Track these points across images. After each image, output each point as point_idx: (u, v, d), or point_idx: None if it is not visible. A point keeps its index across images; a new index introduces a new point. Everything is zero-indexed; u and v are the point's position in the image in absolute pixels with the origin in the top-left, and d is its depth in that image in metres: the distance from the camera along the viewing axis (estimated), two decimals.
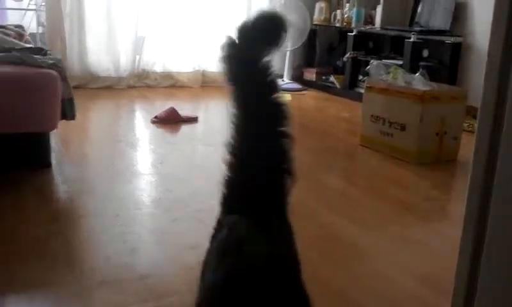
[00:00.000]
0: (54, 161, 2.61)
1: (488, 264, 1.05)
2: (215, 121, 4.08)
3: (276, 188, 0.96)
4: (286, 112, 0.94)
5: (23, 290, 1.54)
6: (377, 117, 3.16)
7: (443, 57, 4.44)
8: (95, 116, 4.00)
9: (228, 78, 0.93)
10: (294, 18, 5.25)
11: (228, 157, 0.95)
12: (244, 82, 0.93)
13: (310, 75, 5.53)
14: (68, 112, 2.58)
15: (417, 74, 3.33)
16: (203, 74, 5.20)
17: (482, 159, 1.17)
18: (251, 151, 0.94)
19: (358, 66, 4.99)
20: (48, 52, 2.73)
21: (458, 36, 4.40)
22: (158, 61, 5.05)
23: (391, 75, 3.17)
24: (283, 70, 5.49)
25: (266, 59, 0.92)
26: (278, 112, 0.94)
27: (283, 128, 0.94)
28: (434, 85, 3.16)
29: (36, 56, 2.53)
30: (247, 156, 0.94)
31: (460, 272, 1.10)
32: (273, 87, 0.94)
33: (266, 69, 0.93)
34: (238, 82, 0.93)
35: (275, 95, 0.93)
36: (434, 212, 2.40)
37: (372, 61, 3.44)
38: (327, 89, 5.29)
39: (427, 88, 3.03)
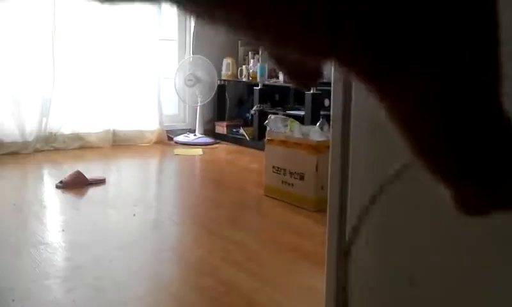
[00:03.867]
0: None
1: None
2: (124, 181, 4.08)
3: None
4: None
5: None
6: (278, 168, 3.32)
7: None
8: None
9: None
10: (202, 75, 5.43)
11: None
12: None
13: (222, 128, 5.68)
14: None
15: (317, 124, 3.55)
16: (114, 133, 5.19)
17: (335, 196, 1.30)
18: None
19: (265, 118, 5.19)
20: None
21: None
22: (66, 122, 4.99)
23: (288, 127, 3.36)
24: (195, 125, 5.60)
25: None
26: None
27: None
28: (329, 135, 3.37)
29: None
30: None
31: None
32: None
33: None
34: None
35: None
36: None
37: (270, 115, 3.63)
38: (238, 141, 5.45)
39: (322, 138, 3.23)
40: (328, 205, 1.32)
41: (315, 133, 3.33)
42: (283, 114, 4.70)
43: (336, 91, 1.24)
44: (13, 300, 1.94)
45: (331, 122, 1.27)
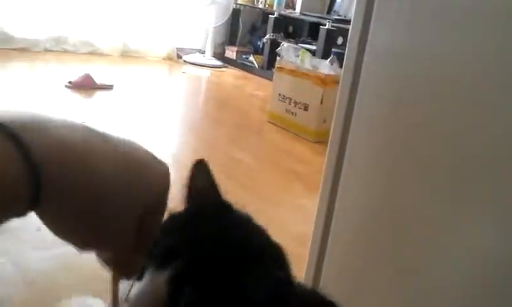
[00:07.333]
0: None
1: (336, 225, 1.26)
2: (131, 89, 4.13)
3: None
4: None
5: None
6: (284, 96, 3.37)
7: None
8: (3, 78, 3.92)
9: None
10: None
11: None
12: None
13: (231, 53, 5.67)
14: None
15: (328, 59, 3.57)
16: (124, 44, 5.19)
17: (337, 140, 1.38)
18: None
19: (276, 48, 5.18)
20: None
21: None
22: (78, 25, 4.97)
23: (299, 57, 3.38)
24: (206, 46, 5.59)
25: None
26: None
27: None
28: (339, 70, 3.40)
29: None
30: None
31: (316, 226, 1.31)
32: None
33: None
34: None
35: None
36: None
37: (283, 43, 3.64)
38: (246, 67, 5.46)
39: (330, 72, 3.26)
40: (330, 136, 1.38)
41: (324, 67, 3.36)
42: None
43: (355, 22, 1.27)
44: None
45: (346, 51, 1.31)
